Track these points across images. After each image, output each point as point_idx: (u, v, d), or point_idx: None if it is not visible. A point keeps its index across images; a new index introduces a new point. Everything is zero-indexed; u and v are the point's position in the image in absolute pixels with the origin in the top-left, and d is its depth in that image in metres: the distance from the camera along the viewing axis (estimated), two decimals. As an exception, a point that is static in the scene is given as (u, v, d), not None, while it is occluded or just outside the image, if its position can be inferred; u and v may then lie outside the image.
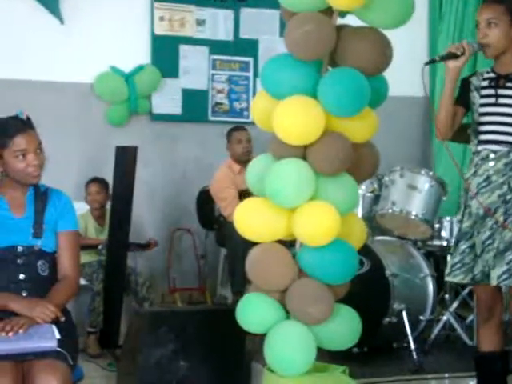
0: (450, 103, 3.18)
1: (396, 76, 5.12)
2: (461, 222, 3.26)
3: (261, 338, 3.04)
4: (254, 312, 2.99)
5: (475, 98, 3.21)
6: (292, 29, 2.84)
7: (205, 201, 5.64)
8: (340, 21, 2.95)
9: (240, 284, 4.97)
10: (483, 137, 3.19)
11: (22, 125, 2.74)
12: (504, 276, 3.07)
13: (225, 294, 5.70)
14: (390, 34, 2.95)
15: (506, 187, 3.12)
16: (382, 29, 2.91)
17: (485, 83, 3.20)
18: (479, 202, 3.14)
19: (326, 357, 3.22)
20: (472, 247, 3.19)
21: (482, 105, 3.19)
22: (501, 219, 3.10)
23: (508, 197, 3.12)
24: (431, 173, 4.90)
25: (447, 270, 3.26)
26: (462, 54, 3.10)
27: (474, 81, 3.23)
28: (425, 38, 6.58)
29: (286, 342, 2.93)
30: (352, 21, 2.96)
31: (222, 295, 5.80)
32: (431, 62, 3.18)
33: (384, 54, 2.88)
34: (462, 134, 3.33)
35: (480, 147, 3.19)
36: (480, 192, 3.17)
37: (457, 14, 6.46)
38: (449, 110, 3.18)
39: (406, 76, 6.18)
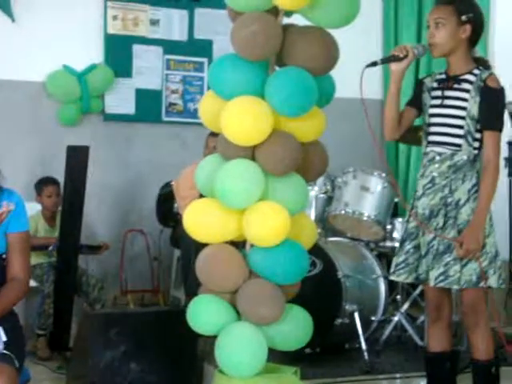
0: (394, 105, 3.19)
1: (350, 78, 5.17)
2: (407, 222, 3.28)
3: (213, 339, 3.03)
4: (204, 313, 2.98)
5: (426, 98, 3.22)
6: (238, 29, 2.83)
7: (166, 195, 5.56)
8: (286, 20, 2.95)
9: (193, 286, 4.92)
10: (431, 138, 3.21)
11: None
12: (440, 277, 3.11)
13: (178, 296, 5.67)
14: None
15: (447, 190, 3.14)
16: (328, 28, 2.92)
17: (435, 84, 3.22)
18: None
19: (279, 357, 3.22)
20: (416, 247, 3.21)
21: (431, 106, 3.21)
22: (431, 227, 3.12)
23: (449, 199, 3.14)
24: (383, 174, 4.93)
25: (391, 269, 3.28)
26: (405, 56, 3.11)
27: (427, 82, 3.25)
28: (379, 40, 6.63)
29: (237, 343, 2.92)
30: (298, 20, 2.96)
31: (175, 297, 5.77)
32: (372, 64, 3.15)
33: (330, 53, 2.88)
34: (413, 135, 3.35)
35: (428, 149, 3.21)
36: (425, 193, 3.19)
37: (412, 15, 6.51)
38: (393, 112, 3.20)
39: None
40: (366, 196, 4.83)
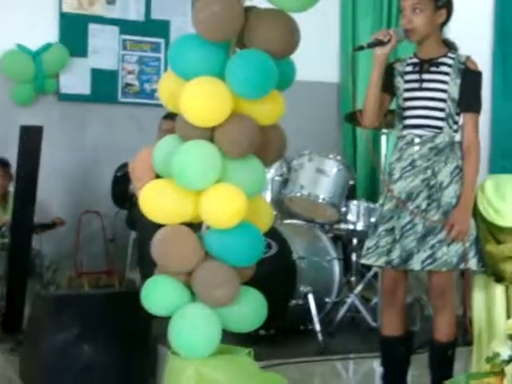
0: (377, 90, 3.17)
1: (308, 62, 5.16)
2: (382, 205, 3.26)
3: (167, 321, 3.02)
4: (158, 294, 2.97)
5: (399, 83, 3.23)
6: (199, 9, 2.82)
7: (122, 176, 5.52)
8: (248, 2, 2.93)
9: (149, 267, 4.90)
10: (408, 121, 3.20)
11: None
12: (428, 260, 3.09)
13: (133, 278, 5.65)
14: (302, 20, 2.96)
15: (430, 172, 3.14)
16: (290, 12, 2.91)
17: (409, 68, 3.22)
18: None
19: (233, 339, 3.23)
20: (389, 231, 3.18)
21: (407, 90, 3.20)
22: (410, 208, 3.12)
23: (432, 182, 3.13)
24: (339, 157, 4.97)
25: (363, 253, 3.25)
26: (389, 40, 3.11)
27: (398, 66, 3.25)
28: (337, 24, 6.64)
29: (191, 324, 2.92)
30: (260, 3, 2.95)
31: (130, 279, 5.74)
32: (359, 48, 3.16)
33: (291, 37, 2.88)
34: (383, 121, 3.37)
35: (405, 132, 3.20)
36: (403, 176, 3.17)
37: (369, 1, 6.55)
38: (376, 98, 3.18)
39: (318, 62, 6.25)
40: (321, 178, 4.86)
